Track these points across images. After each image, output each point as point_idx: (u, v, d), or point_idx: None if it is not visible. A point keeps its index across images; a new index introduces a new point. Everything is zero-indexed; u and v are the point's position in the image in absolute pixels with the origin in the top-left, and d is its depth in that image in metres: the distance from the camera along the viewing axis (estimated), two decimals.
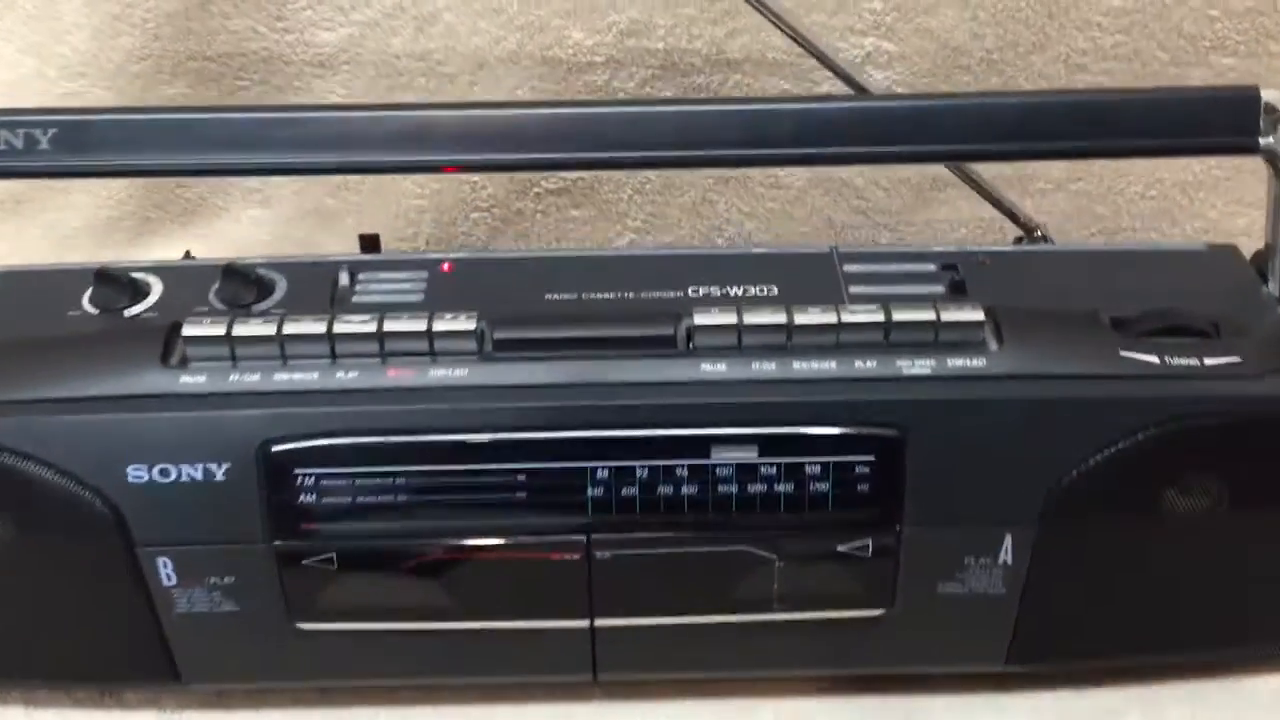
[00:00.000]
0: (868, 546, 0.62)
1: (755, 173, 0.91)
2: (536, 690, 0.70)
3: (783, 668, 0.68)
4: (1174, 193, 0.89)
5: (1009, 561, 0.62)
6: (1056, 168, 0.88)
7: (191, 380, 0.60)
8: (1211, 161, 0.87)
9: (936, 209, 0.91)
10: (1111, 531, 0.62)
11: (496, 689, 0.70)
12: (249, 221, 0.97)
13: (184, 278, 0.67)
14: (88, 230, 0.96)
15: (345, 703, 0.70)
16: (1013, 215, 0.71)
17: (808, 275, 0.67)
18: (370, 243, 0.73)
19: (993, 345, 0.61)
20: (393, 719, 0.69)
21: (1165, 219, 0.90)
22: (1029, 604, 0.64)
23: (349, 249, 0.74)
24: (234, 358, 0.61)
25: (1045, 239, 0.71)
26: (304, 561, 0.62)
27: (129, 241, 0.97)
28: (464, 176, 0.93)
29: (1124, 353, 0.60)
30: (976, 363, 0.60)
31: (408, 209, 0.95)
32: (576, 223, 0.95)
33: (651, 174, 0.93)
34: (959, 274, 0.66)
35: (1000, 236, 0.91)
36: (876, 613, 0.64)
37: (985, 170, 0.76)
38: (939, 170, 0.90)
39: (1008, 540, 0.62)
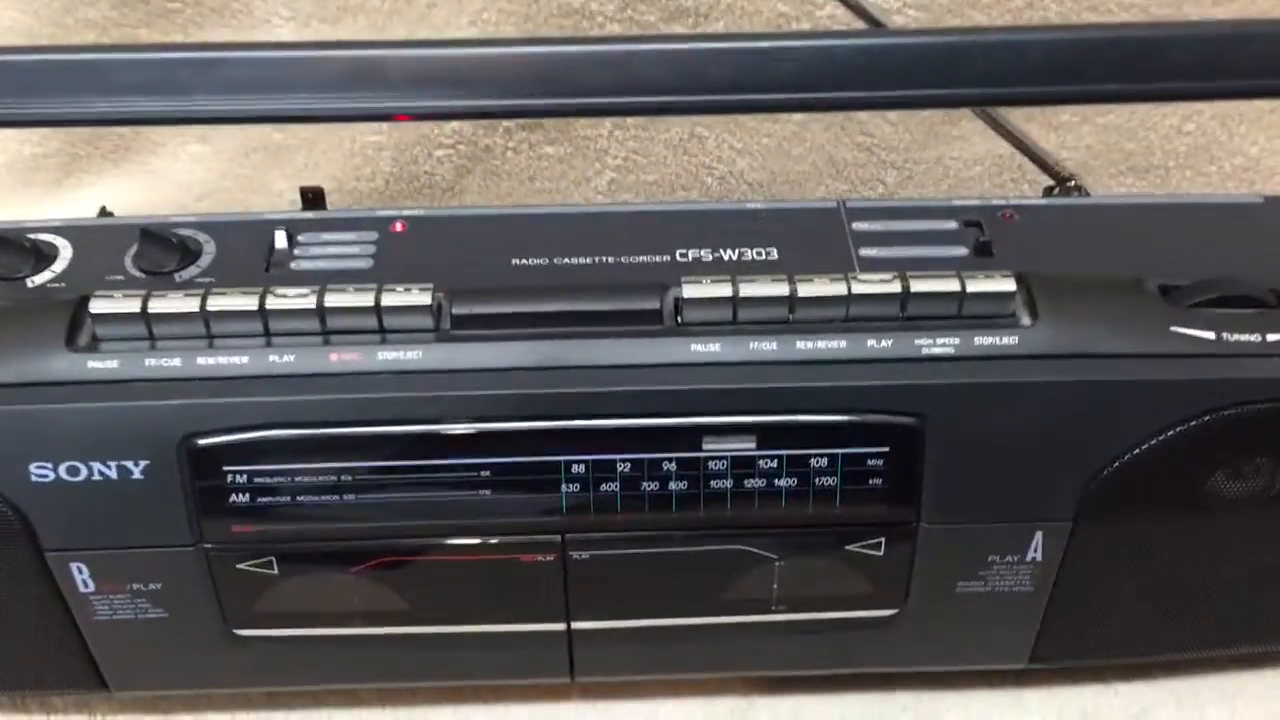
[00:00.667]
0: (879, 545, 0.55)
1: None
2: (510, 691, 0.63)
3: (783, 668, 0.62)
4: (1212, 126, 0.81)
5: (1039, 559, 0.56)
6: None
7: (102, 365, 0.52)
8: None
9: (949, 145, 0.83)
10: (1154, 524, 0.55)
11: (465, 689, 0.63)
12: (188, 158, 0.88)
13: (97, 240, 0.58)
14: (9, 170, 0.87)
15: (297, 705, 0.63)
16: (1043, 163, 0.62)
17: (812, 235, 0.59)
18: (313, 197, 0.64)
19: (1025, 319, 0.53)
20: None
21: (1202, 156, 0.82)
22: (1059, 602, 0.57)
23: (298, 189, 0.64)
24: (152, 338, 0.53)
25: (1080, 189, 0.63)
26: (239, 566, 0.55)
27: (56, 182, 0.88)
28: None
29: (1174, 328, 0.53)
30: (1007, 340, 0.52)
31: (364, 146, 0.86)
32: (551, 161, 0.86)
33: None
34: (984, 233, 0.58)
35: (1020, 177, 0.83)
36: (887, 613, 0.58)
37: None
38: None
39: (1038, 537, 0.55)
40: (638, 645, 0.59)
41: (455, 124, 0.85)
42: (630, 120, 0.84)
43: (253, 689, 0.62)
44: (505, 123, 0.85)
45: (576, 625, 0.58)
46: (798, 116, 0.83)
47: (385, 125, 0.85)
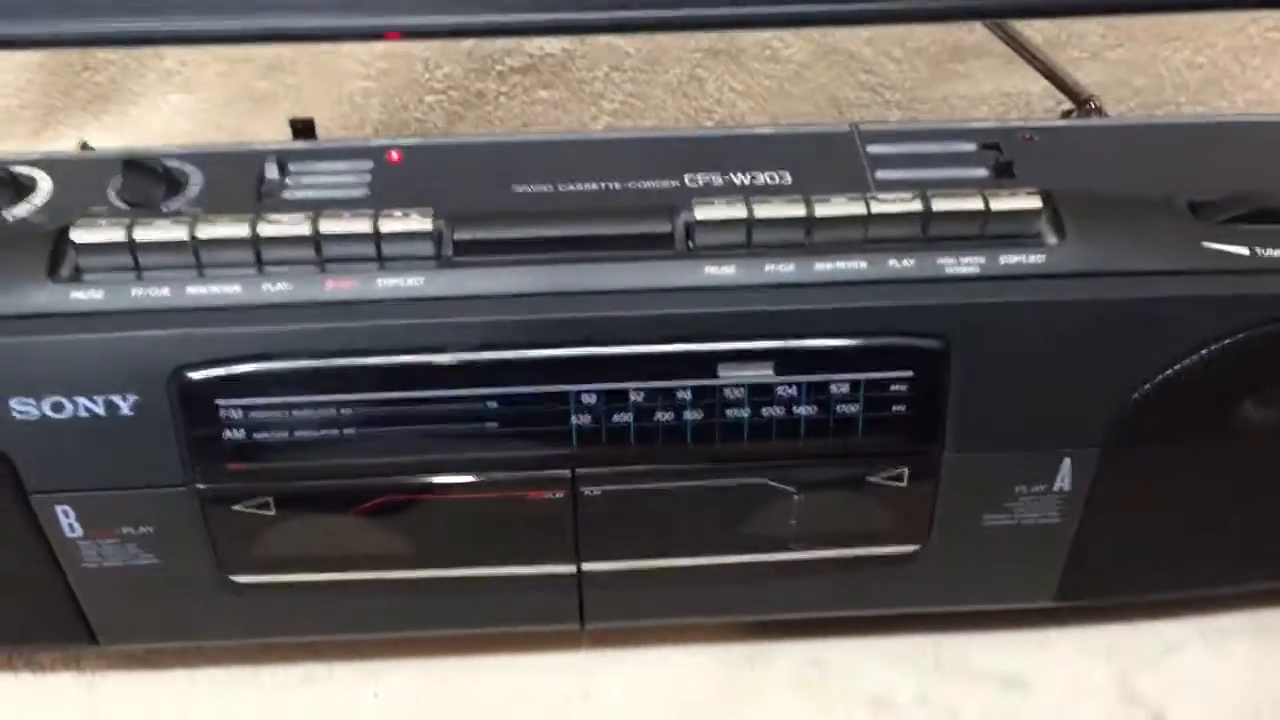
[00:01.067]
0: (902, 476, 0.53)
1: (750, 44, 0.80)
2: (515, 640, 0.61)
3: (800, 610, 0.60)
4: (1224, 59, 0.79)
5: (1066, 488, 0.54)
6: (1094, 32, 0.77)
7: (86, 296, 0.49)
8: (1269, 22, 0.76)
9: (955, 83, 0.81)
10: (1184, 451, 0.54)
11: (469, 639, 0.61)
12: (169, 109, 0.85)
13: (79, 172, 0.56)
14: None
15: (294, 657, 0.61)
16: (1061, 84, 0.60)
17: (825, 159, 0.56)
18: (304, 128, 0.61)
19: (1051, 238, 0.51)
20: (349, 675, 0.60)
21: (1214, 90, 0.80)
22: (1086, 534, 0.56)
23: (288, 120, 0.62)
24: (138, 268, 0.50)
25: (1100, 111, 0.61)
26: (235, 507, 0.52)
27: (33, 134, 0.85)
28: (417, 53, 0.81)
29: (1207, 243, 0.51)
30: (1033, 259, 0.50)
31: (352, 93, 0.83)
32: (545, 106, 0.84)
33: (630, 48, 0.81)
34: (1003, 154, 0.56)
35: (1028, 115, 0.81)
36: (910, 549, 0.56)
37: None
38: (958, 37, 0.79)
39: (1066, 464, 0.53)
40: (651, 588, 0.57)
41: (447, 69, 0.82)
42: (627, 62, 0.82)
43: (249, 640, 0.59)
44: (498, 67, 0.82)
45: (587, 567, 0.55)
46: (799, 55, 0.80)
47: (373, 68, 0.82)
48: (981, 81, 0.81)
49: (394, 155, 0.57)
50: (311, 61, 0.83)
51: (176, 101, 0.85)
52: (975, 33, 0.79)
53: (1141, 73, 0.80)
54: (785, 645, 0.61)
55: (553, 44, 0.81)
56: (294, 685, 0.60)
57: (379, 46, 0.81)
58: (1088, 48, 0.78)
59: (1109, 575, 0.58)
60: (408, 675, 0.60)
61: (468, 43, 0.80)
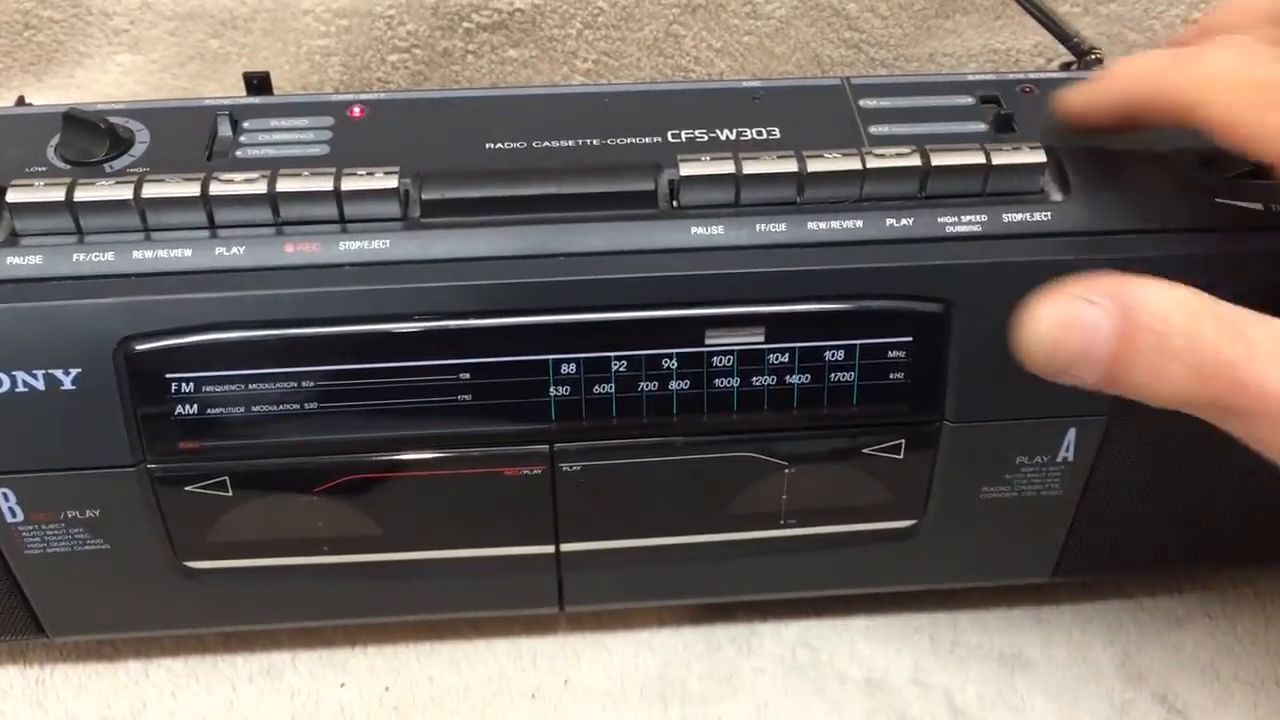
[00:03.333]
0: (900, 448, 0.50)
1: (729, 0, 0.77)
2: (490, 625, 0.58)
3: (791, 590, 0.57)
4: None
5: (1070, 459, 0.51)
6: None
7: (22, 261, 0.46)
8: None
9: (942, 39, 0.77)
10: (1192, 421, 0.51)
11: (441, 625, 0.58)
12: (117, 70, 0.81)
13: (14, 128, 0.52)
14: None
15: (257, 646, 0.58)
16: (1062, 34, 0.57)
17: (816, 114, 0.53)
18: (259, 84, 0.57)
19: (1055, 194, 0.48)
20: (313, 665, 0.57)
21: None
22: (1088, 507, 0.53)
23: (241, 75, 0.58)
24: (79, 231, 0.46)
25: (1101, 63, 0.58)
26: (188, 488, 0.49)
27: None
28: (379, 10, 0.77)
29: (1219, 199, 0.48)
30: (1038, 217, 0.48)
31: (310, 50, 0.79)
32: (515, 65, 0.80)
33: (605, 4, 0.77)
34: (1003, 107, 0.53)
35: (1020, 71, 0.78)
36: (906, 524, 0.53)
37: None
38: None
39: (1071, 434, 0.50)
40: (634, 568, 0.54)
41: (411, 25, 0.78)
42: (600, 19, 0.78)
43: (207, 629, 0.56)
44: (465, 23, 0.78)
45: (566, 547, 0.52)
46: (780, 10, 0.77)
47: (333, 26, 0.78)
48: (970, 39, 0.78)
49: (356, 110, 0.53)
50: (268, 18, 0.79)
51: (125, 61, 0.81)
52: None
53: (1135, 28, 0.77)
54: (775, 626, 0.59)
55: None
56: (255, 676, 0.57)
57: (339, 1, 0.77)
58: (1080, 2, 0.76)
59: (1110, 550, 0.55)
60: (376, 664, 0.57)
61: None
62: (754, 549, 0.53)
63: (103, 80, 0.81)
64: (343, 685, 0.56)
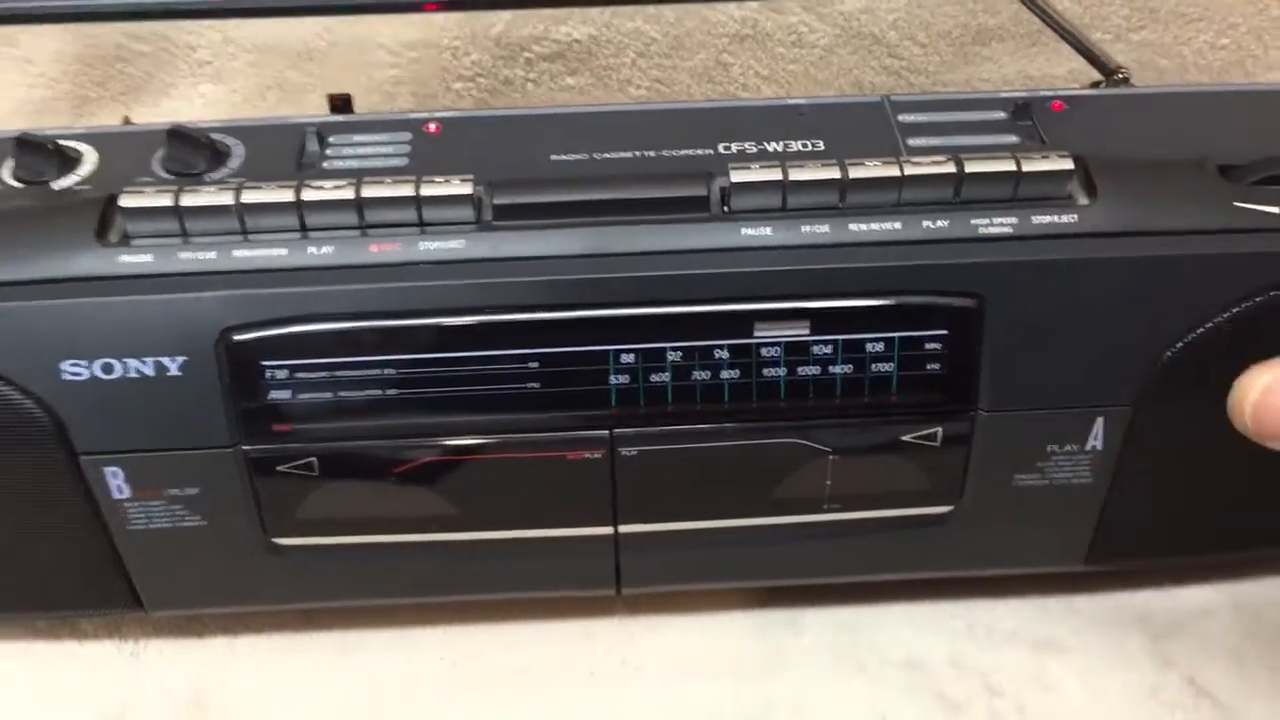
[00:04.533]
0: (936, 436, 0.54)
1: (775, 28, 0.81)
2: (549, 607, 0.62)
3: (834, 574, 0.60)
4: (1247, 40, 0.79)
5: (1098, 447, 0.54)
6: (1118, 14, 0.78)
7: (134, 260, 0.50)
8: None
9: (979, 66, 0.81)
10: (1216, 411, 0.54)
11: (505, 606, 0.62)
12: (201, 101, 0.86)
13: (122, 145, 0.57)
14: (18, 114, 0.85)
15: (334, 625, 0.62)
16: (1090, 54, 0.61)
17: (858, 128, 0.57)
18: (342, 104, 0.62)
19: (1083, 199, 0.52)
20: (385, 642, 0.61)
21: (1237, 71, 0.80)
22: (1118, 495, 0.56)
23: (326, 96, 0.63)
24: (184, 233, 0.51)
25: (1128, 82, 0.62)
26: (279, 468, 0.53)
27: (65, 127, 0.85)
28: (445, 41, 0.82)
29: (1238, 203, 0.51)
30: (1065, 219, 0.51)
31: (381, 81, 0.84)
32: (572, 92, 0.85)
33: (657, 33, 0.82)
34: (1033, 121, 0.57)
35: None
36: (942, 510, 0.56)
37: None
38: (983, 21, 0.80)
39: (1099, 424, 0.54)
40: (687, 550, 0.57)
41: (475, 55, 0.83)
42: (653, 48, 0.83)
43: (290, 605, 0.60)
44: (525, 53, 0.83)
45: (624, 529, 0.56)
46: (824, 39, 0.81)
47: (403, 57, 0.83)
48: (1005, 65, 0.82)
49: (432, 127, 0.58)
50: (342, 51, 0.84)
51: (207, 91, 0.86)
52: (999, 15, 0.80)
53: (1166, 54, 0.80)
54: (819, 612, 0.62)
55: (580, 30, 0.82)
56: (331, 651, 0.61)
57: (408, 34, 0.82)
58: (1111, 29, 0.79)
59: (1140, 538, 0.58)
60: (442, 642, 0.61)
61: (496, 29, 0.81)
62: (799, 533, 0.57)
63: (187, 110, 0.87)
64: (411, 661, 0.60)
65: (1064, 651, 0.60)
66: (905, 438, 0.54)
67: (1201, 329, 0.51)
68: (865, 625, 0.61)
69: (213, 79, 0.86)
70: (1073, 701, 0.58)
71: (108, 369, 0.50)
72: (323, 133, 0.57)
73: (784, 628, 0.61)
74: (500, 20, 0.81)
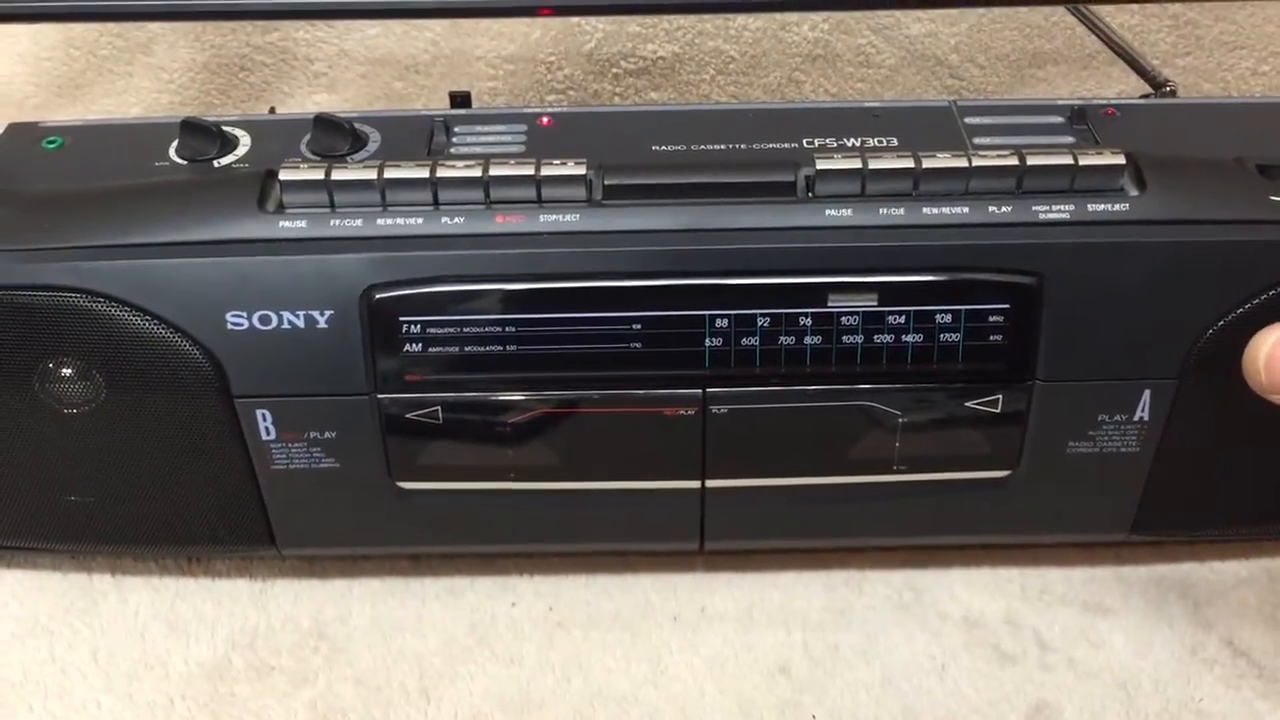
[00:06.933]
0: (998, 402, 0.59)
1: (844, 50, 0.88)
2: (635, 562, 0.68)
3: (899, 535, 0.66)
4: None
5: (1145, 418, 0.60)
6: (1165, 40, 0.84)
7: (291, 225, 0.57)
8: None
9: (1035, 86, 0.88)
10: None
11: (596, 560, 0.68)
12: (314, 108, 0.93)
13: (272, 131, 0.64)
14: (151, 115, 0.94)
15: (441, 571, 0.68)
16: (1140, 68, 0.67)
17: (928, 128, 0.63)
18: (462, 99, 0.70)
19: (1133, 190, 0.58)
20: (489, 588, 0.67)
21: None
22: (1162, 465, 0.61)
23: (448, 93, 0.70)
24: (333, 204, 0.58)
25: (1174, 94, 0.68)
26: (408, 415, 0.60)
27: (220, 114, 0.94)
28: (540, 57, 0.89)
29: (1275, 198, 0.57)
30: (1118, 207, 0.57)
31: (481, 91, 0.92)
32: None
33: (735, 53, 0.89)
34: (1088, 126, 0.63)
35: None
36: (1002, 474, 0.62)
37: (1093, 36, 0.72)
38: (1039, 45, 0.86)
39: (1146, 395, 0.59)
40: (766, 506, 0.63)
41: (568, 70, 0.90)
42: (731, 66, 0.90)
43: (408, 548, 0.66)
44: (614, 69, 0.90)
45: (711, 483, 0.62)
46: (890, 60, 0.88)
47: (500, 70, 0.90)
48: (1059, 86, 0.88)
49: (545, 120, 0.65)
50: (445, 64, 0.92)
51: (321, 100, 0.94)
52: (1055, 40, 0.86)
53: (1209, 79, 0.86)
54: (882, 574, 0.67)
55: (665, 48, 0.89)
56: (441, 594, 0.67)
57: (507, 48, 0.89)
58: (1158, 55, 0.85)
59: (1182, 510, 0.63)
60: (541, 589, 0.67)
61: (588, 45, 0.88)
62: (870, 493, 0.62)
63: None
64: (513, 605, 0.66)
65: (1110, 613, 0.65)
66: (969, 403, 0.59)
67: (1239, 309, 0.57)
68: (925, 586, 0.67)
69: (327, 89, 0.94)
70: (1119, 656, 0.63)
71: (265, 320, 0.57)
72: (449, 123, 0.64)
73: (850, 587, 0.67)
74: (593, 38, 0.88)
